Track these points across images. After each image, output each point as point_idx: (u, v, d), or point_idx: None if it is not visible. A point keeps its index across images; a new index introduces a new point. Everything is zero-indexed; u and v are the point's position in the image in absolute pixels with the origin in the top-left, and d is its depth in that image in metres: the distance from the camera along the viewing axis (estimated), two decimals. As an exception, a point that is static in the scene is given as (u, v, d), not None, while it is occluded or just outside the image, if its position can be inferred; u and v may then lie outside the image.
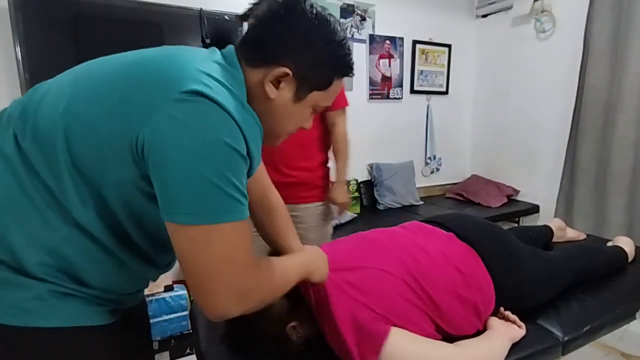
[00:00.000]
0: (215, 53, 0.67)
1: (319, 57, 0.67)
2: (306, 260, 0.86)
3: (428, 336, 0.92)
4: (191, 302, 1.98)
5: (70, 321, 0.62)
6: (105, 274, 0.65)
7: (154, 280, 0.78)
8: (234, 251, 0.60)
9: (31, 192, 0.59)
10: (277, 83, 0.67)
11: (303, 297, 0.98)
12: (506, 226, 2.83)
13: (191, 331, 1.88)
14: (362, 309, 0.89)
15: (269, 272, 0.71)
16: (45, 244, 0.59)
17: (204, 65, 0.61)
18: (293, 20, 0.65)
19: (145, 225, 0.65)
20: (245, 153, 0.59)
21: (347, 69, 0.72)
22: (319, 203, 1.70)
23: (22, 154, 0.59)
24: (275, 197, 1.00)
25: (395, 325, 0.88)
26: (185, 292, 1.96)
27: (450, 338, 0.97)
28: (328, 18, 0.69)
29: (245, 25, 0.69)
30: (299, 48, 0.66)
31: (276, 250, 0.95)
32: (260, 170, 0.96)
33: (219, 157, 0.55)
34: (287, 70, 0.65)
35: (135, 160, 0.57)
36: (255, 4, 0.68)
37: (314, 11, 0.66)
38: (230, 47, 0.69)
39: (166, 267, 0.78)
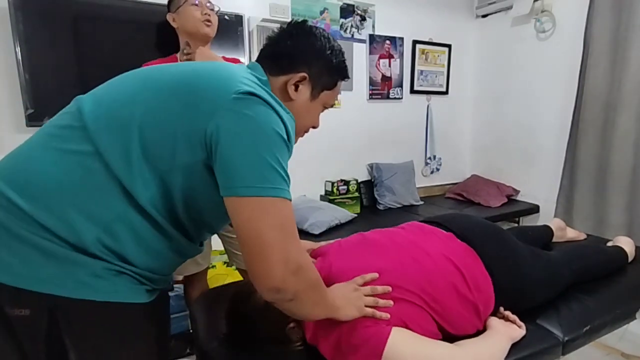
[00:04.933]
0: (244, 67, 0.85)
1: (327, 64, 0.87)
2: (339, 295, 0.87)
3: (430, 335, 0.92)
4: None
5: (119, 297, 0.69)
6: (148, 253, 0.73)
7: (187, 258, 0.87)
8: (287, 224, 0.69)
9: (95, 177, 0.68)
10: (296, 86, 0.84)
11: None
12: (506, 226, 2.83)
13: (191, 331, 1.88)
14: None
15: (313, 268, 0.77)
16: (101, 221, 0.68)
17: (245, 74, 0.77)
18: (304, 37, 0.86)
19: (193, 207, 0.75)
20: (288, 142, 0.72)
21: (346, 73, 0.92)
22: None
23: (93, 147, 0.69)
24: None
25: (396, 326, 0.88)
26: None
27: (450, 337, 0.97)
28: (328, 36, 0.89)
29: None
30: (311, 58, 0.85)
31: None
32: None
33: (271, 141, 0.69)
34: (305, 74, 0.84)
35: (202, 148, 0.68)
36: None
37: (318, 31, 0.88)
38: (254, 63, 0.86)
39: (200, 247, 0.87)
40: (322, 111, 0.93)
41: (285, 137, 0.71)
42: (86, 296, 0.66)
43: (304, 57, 0.84)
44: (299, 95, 0.85)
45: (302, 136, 0.94)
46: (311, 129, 0.95)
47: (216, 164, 0.68)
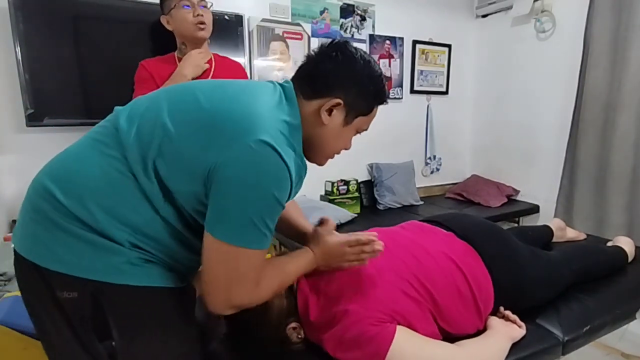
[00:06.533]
0: (277, 91, 0.82)
1: (364, 90, 0.85)
2: (317, 262, 0.94)
3: (431, 335, 0.92)
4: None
5: (152, 282, 0.76)
6: (174, 250, 0.79)
7: None
8: (248, 272, 0.75)
9: (129, 184, 0.73)
10: (330, 111, 0.83)
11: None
12: (506, 226, 2.83)
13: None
14: (367, 311, 0.89)
15: (270, 285, 0.82)
16: (131, 224, 0.73)
17: (275, 121, 0.75)
18: (343, 60, 0.83)
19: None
20: (284, 202, 0.74)
21: (384, 98, 0.89)
22: None
23: (125, 159, 0.74)
24: None
25: (400, 324, 0.88)
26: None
27: (450, 337, 0.97)
28: (369, 58, 0.86)
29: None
30: (348, 83, 0.83)
31: (295, 233, 1.09)
32: None
33: (265, 206, 0.71)
34: (339, 100, 0.82)
35: (204, 182, 0.72)
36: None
37: (359, 53, 0.85)
38: (290, 85, 0.84)
39: None
40: (355, 135, 0.92)
41: (282, 200, 0.73)
42: (123, 281, 0.73)
43: (341, 82, 0.82)
44: (331, 120, 0.83)
45: (332, 157, 0.93)
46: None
47: (209, 200, 0.72)
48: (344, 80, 0.83)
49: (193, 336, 0.86)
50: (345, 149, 0.92)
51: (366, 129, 0.92)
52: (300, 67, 0.87)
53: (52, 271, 0.72)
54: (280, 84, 0.86)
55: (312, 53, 0.86)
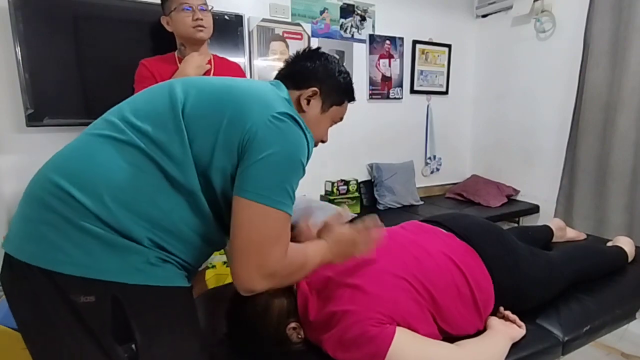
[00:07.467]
0: (267, 83, 0.94)
1: (335, 82, 0.99)
2: (331, 251, 0.94)
3: (431, 336, 0.92)
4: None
5: (171, 282, 0.77)
6: (190, 243, 0.80)
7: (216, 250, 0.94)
8: (279, 234, 0.77)
9: (145, 176, 0.74)
10: (308, 100, 0.95)
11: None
12: (506, 226, 2.83)
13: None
14: (367, 312, 0.89)
15: (296, 260, 0.84)
16: (151, 219, 0.74)
17: (279, 98, 0.87)
18: (317, 60, 0.98)
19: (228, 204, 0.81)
20: (305, 166, 0.82)
21: (352, 94, 1.04)
22: None
23: (146, 151, 0.75)
24: None
25: (400, 325, 0.88)
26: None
27: (450, 338, 0.97)
28: (338, 60, 1.03)
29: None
30: (323, 76, 0.97)
31: None
32: None
33: (293, 170, 0.79)
34: (316, 89, 0.95)
35: (238, 153, 0.77)
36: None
37: (330, 56, 1.02)
38: (277, 81, 0.97)
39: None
40: (331, 126, 1.04)
41: (305, 165, 0.82)
42: (144, 282, 0.73)
43: (317, 76, 0.96)
44: (310, 108, 0.96)
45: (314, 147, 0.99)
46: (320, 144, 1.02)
47: (239, 168, 0.77)
48: (319, 74, 0.97)
49: (203, 334, 0.88)
50: (323, 141, 1.03)
51: (341, 120, 1.05)
52: (280, 70, 1.00)
53: (65, 275, 0.68)
54: (268, 81, 0.97)
55: (290, 58, 1.01)
